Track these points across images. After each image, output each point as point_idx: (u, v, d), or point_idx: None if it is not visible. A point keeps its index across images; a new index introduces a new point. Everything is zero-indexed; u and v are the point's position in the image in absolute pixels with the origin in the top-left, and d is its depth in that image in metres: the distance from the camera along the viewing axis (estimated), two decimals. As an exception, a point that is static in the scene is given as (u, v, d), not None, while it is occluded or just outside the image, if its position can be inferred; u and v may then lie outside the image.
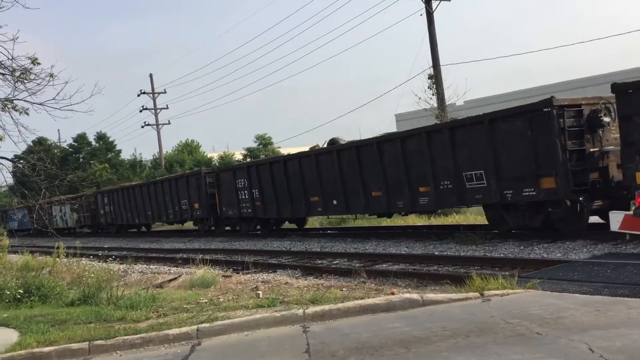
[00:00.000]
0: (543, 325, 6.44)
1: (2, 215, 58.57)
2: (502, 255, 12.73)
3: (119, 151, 63.56)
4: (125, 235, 36.87)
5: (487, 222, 16.78)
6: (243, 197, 23.64)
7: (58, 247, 17.78)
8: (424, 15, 26.97)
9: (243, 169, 23.92)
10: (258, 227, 24.87)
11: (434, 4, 26.91)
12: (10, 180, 27.46)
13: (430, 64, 27.17)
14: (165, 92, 54.01)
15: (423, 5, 26.97)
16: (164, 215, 30.88)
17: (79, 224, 42.92)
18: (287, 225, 25.49)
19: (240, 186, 23.79)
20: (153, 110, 52.85)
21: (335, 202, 19.13)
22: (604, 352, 5.29)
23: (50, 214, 44.44)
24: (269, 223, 24.41)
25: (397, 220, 23.60)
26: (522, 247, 13.32)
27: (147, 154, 77.64)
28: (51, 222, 44.99)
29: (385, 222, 23.46)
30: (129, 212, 34.93)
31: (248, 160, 26.04)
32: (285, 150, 40.36)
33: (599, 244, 12.30)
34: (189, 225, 33.78)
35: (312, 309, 8.18)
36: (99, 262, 17.43)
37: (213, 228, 27.39)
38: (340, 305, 8.22)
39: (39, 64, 11.20)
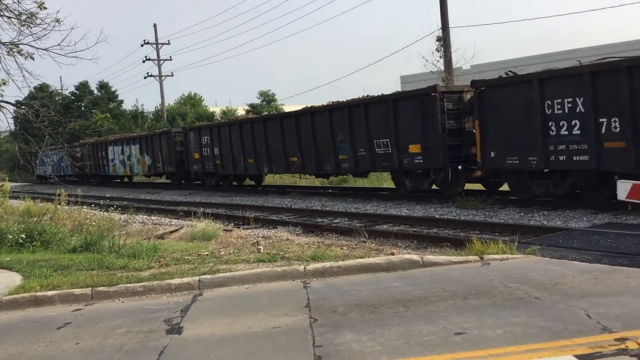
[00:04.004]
0: (542, 290, 6.52)
1: (30, 158, 51.80)
2: (502, 220, 12.79)
3: (121, 101, 63.45)
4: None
5: (485, 188, 16.32)
6: (561, 131, 13.27)
7: (59, 195, 17.89)
8: (436, -25, 26.46)
9: (572, 78, 13.11)
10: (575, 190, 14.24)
11: (447, -36, 26.35)
12: (12, 125, 27.35)
13: (440, 25, 26.82)
14: (169, 44, 53.75)
15: (435, -35, 26.44)
16: (328, 163, 20.00)
17: (151, 170, 32.64)
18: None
19: (554, 112, 13.33)
20: (156, 62, 52.42)
21: None
22: (601, 319, 5.37)
23: (101, 157, 38.29)
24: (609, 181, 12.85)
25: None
26: (522, 214, 13.39)
27: (149, 105, 77.50)
28: (102, 167, 38.67)
29: (387, 183, 23.49)
30: (250, 157, 24.18)
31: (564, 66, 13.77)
32: (288, 108, 40.11)
33: (599, 214, 12.36)
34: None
35: (313, 266, 8.27)
36: (100, 211, 17.51)
37: (435, 187, 17.42)
38: (340, 263, 8.30)
39: (45, 8, 11.06)
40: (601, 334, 5.02)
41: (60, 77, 77.47)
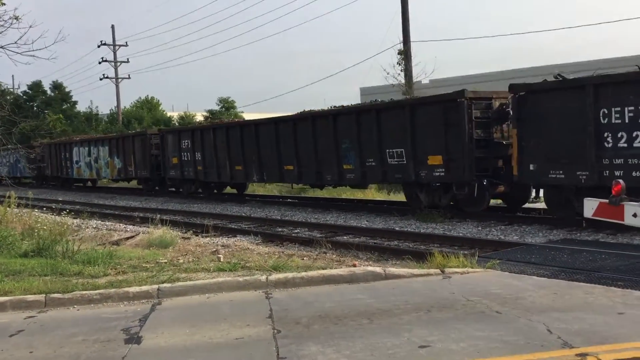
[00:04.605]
0: (503, 304, 6.60)
1: None
2: (461, 234, 12.95)
3: (75, 102, 61.84)
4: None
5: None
6: (618, 143, 11.90)
7: (9, 196, 17.30)
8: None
9: (636, 85, 11.79)
10: None
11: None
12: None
13: (401, 39, 27.16)
14: (126, 45, 53.06)
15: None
16: (330, 173, 18.40)
17: (121, 175, 30.63)
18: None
19: (611, 121, 11.93)
20: (113, 63, 51.56)
21: None
22: (561, 334, 5.46)
23: (65, 158, 36.41)
24: None
25: (357, 194, 23.76)
26: (479, 228, 13.59)
27: (104, 107, 75.87)
28: (64, 169, 36.75)
29: (346, 194, 23.54)
30: (238, 164, 22.31)
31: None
32: (248, 116, 39.96)
33: (554, 229, 12.65)
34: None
35: (275, 276, 8.18)
36: (52, 214, 17.00)
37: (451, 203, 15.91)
38: (303, 273, 8.25)
39: (4, 4, 10.73)
40: (562, 349, 5.10)
41: (13, 76, 75.31)
